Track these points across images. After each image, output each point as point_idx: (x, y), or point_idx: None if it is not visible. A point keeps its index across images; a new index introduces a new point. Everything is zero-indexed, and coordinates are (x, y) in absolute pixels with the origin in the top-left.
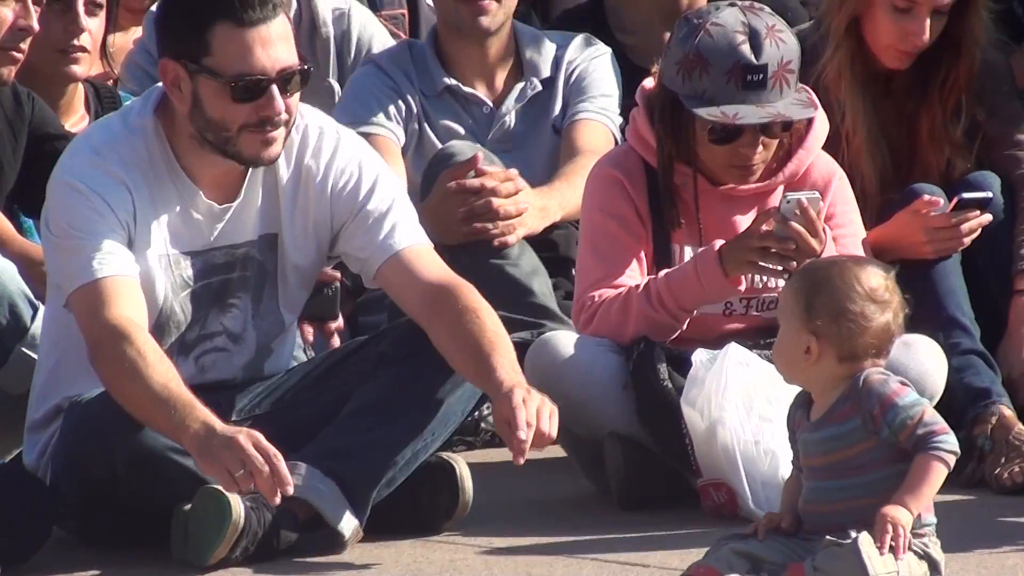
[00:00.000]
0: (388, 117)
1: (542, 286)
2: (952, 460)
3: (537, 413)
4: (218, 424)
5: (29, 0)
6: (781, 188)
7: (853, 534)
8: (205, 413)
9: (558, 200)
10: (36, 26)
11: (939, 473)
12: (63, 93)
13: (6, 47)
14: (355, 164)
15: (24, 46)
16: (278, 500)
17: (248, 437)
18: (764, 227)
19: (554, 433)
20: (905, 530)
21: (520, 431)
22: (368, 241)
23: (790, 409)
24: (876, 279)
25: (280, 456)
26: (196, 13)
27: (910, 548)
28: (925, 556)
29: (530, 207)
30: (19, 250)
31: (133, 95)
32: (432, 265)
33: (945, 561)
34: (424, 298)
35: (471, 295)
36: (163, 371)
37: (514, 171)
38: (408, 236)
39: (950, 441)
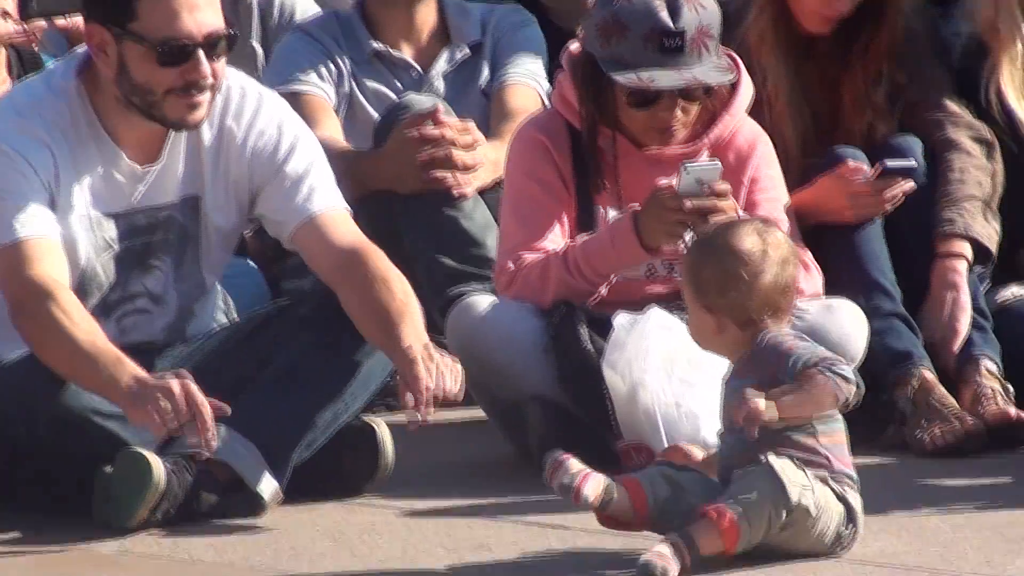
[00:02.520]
0: (320, 77)
1: (494, 241)
2: (843, 385)
3: (439, 375)
4: (146, 376)
5: None
6: (705, 153)
7: (762, 458)
8: (133, 367)
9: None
10: None
11: (821, 387)
12: None
13: None
14: (275, 126)
15: None
16: (213, 447)
17: (179, 382)
18: (672, 196)
19: (459, 391)
20: (755, 409)
21: (422, 407)
22: (284, 204)
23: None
24: (748, 240)
25: (206, 403)
26: None
27: (827, 485)
28: (842, 500)
29: (485, 160)
30: None
31: (55, 58)
32: (346, 231)
33: (865, 522)
34: (335, 263)
35: (381, 262)
36: (88, 328)
37: (471, 123)
38: (324, 201)
39: (847, 370)
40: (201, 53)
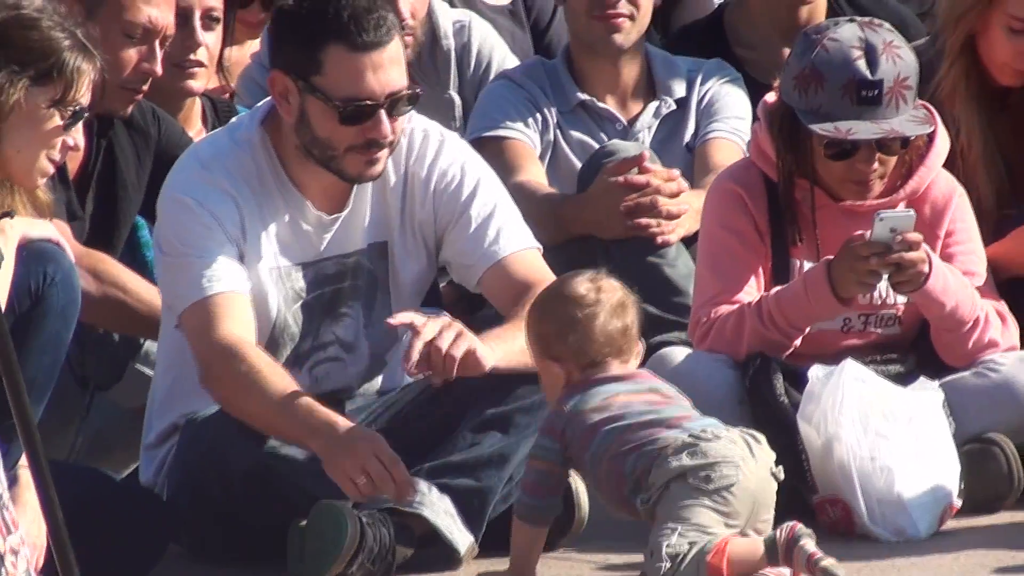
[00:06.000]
0: (525, 124)
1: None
2: None
3: (440, 333)
4: (340, 423)
5: (156, 43)
6: (902, 205)
7: None
8: (327, 413)
9: None
10: (159, 70)
11: None
12: (180, 108)
13: (128, 87)
14: (457, 166)
15: (145, 87)
16: (411, 501)
17: (370, 444)
18: (865, 244)
19: (457, 355)
20: None
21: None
22: (471, 247)
23: None
24: (581, 286)
25: (400, 461)
26: (310, 32)
27: None
28: None
29: (690, 209)
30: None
31: (249, 109)
32: (530, 269)
33: None
34: (513, 301)
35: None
36: (278, 380)
37: (676, 171)
38: (511, 242)
39: None
40: (383, 113)
